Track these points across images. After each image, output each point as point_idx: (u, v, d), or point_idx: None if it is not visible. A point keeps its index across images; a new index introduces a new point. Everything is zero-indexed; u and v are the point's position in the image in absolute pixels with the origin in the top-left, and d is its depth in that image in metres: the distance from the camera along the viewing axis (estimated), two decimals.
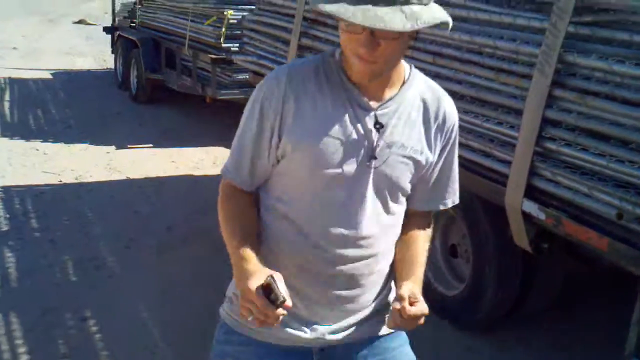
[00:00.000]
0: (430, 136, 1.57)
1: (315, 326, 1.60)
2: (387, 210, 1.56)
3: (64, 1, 19.92)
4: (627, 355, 2.48)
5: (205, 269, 4.27)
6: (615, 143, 2.50)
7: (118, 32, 10.09)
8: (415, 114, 1.55)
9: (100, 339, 3.47)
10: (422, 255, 1.63)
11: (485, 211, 3.34)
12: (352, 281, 1.58)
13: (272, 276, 1.38)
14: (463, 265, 3.70)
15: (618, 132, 2.48)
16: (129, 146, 7.06)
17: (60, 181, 5.95)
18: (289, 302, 1.37)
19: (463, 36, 3.17)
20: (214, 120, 8.01)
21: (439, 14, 1.39)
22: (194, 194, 5.69)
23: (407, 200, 1.64)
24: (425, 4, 1.36)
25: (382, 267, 1.62)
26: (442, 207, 1.70)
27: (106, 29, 10.94)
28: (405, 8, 1.33)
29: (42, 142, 7.10)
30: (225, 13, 7.01)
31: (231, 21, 6.99)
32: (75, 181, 5.96)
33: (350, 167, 1.50)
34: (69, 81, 10.34)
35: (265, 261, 1.48)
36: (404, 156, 1.53)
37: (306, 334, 1.59)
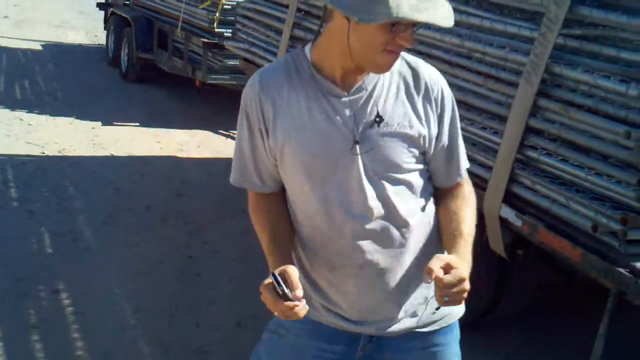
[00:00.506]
0: (417, 108, 1.56)
1: (358, 319, 1.62)
2: (392, 190, 1.55)
3: None
4: None
5: (180, 251, 4.29)
6: (595, 156, 2.53)
7: (111, 9, 10.03)
8: (395, 89, 1.55)
9: (71, 312, 3.48)
10: (465, 225, 1.60)
11: None
12: (383, 269, 1.57)
13: (273, 273, 1.43)
14: None
15: (598, 145, 2.52)
16: (115, 123, 7.03)
17: (43, 153, 5.92)
18: (298, 293, 1.40)
19: (453, 39, 3.19)
20: (201, 104, 7.99)
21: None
22: (176, 176, 5.68)
23: (432, 179, 1.65)
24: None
25: (414, 250, 1.60)
26: (459, 179, 1.68)
27: (99, 5, 10.86)
28: (444, 3, 1.42)
29: (27, 112, 7.05)
30: None
31: (226, 7, 6.97)
32: (59, 154, 5.94)
33: (336, 156, 1.51)
34: (59, 54, 10.26)
35: (304, 260, 1.59)
36: (391, 133, 1.52)
37: (350, 325, 1.63)
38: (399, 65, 1.56)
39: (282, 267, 1.44)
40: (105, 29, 10.31)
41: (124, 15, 9.22)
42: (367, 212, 1.53)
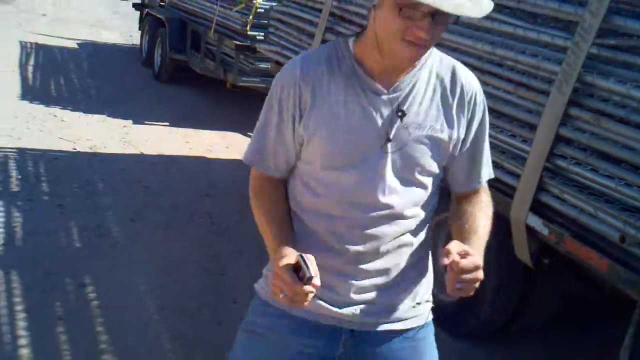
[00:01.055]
0: (451, 112, 1.56)
1: (346, 303, 1.62)
2: (411, 190, 1.56)
3: None
4: None
5: (205, 250, 4.33)
6: (626, 167, 2.50)
7: (147, 10, 10.16)
8: (431, 92, 1.55)
9: (96, 306, 3.52)
10: (480, 228, 1.60)
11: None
12: (379, 257, 1.58)
13: (301, 255, 1.42)
14: None
15: (629, 156, 2.49)
16: (145, 122, 7.12)
17: (75, 149, 6.01)
18: (317, 281, 1.39)
19: (485, 47, 3.18)
20: (232, 106, 8.05)
21: (487, 2, 1.42)
22: (204, 176, 5.73)
23: (450, 183, 1.65)
24: None
25: (413, 251, 1.62)
26: (478, 186, 1.67)
27: (135, 5, 11.03)
28: None
29: (61, 109, 7.16)
30: (254, 1, 7.04)
31: (259, 10, 7.02)
32: (90, 151, 6.02)
33: (366, 151, 1.51)
34: (94, 52, 10.42)
35: (300, 244, 1.54)
36: (423, 136, 1.53)
37: (338, 309, 1.62)
38: (437, 66, 1.57)
39: (303, 254, 1.43)
40: (139, 29, 10.45)
41: (158, 16, 9.33)
42: (382, 207, 1.54)
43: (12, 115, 6.65)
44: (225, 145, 6.69)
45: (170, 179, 5.60)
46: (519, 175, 2.92)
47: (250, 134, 5.83)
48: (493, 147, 3.09)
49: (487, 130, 1.65)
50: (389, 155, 1.52)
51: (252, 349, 1.70)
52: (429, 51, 1.54)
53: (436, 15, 1.38)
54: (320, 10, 4.77)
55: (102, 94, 8.00)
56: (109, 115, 7.14)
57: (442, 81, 1.57)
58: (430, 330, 1.75)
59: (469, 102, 1.58)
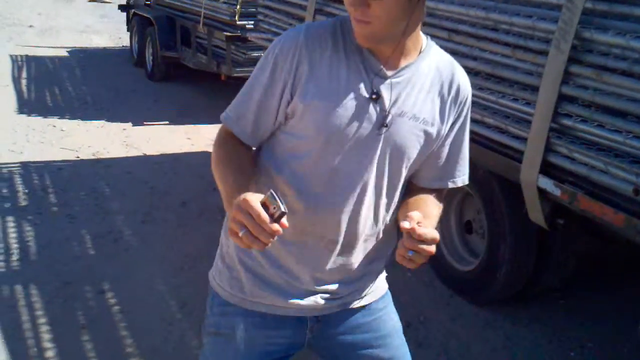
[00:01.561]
0: (444, 108, 1.56)
1: (311, 293, 1.63)
2: (390, 177, 1.55)
3: None
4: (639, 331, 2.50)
5: (219, 243, 4.32)
6: (632, 119, 2.49)
7: (133, 10, 10.10)
8: (429, 84, 1.54)
9: (118, 311, 3.53)
10: (433, 211, 1.58)
11: (500, 187, 3.35)
12: (350, 246, 1.59)
13: (271, 190, 1.30)
14: (478, 241, 3.72)
15: (635, 108, 2.47)
16: (145, 123, 7.11)
17: (78, 157, 6.01)
18: (285, 222, 1.29)
19: (479, 12, 3.16)
20: (228, 97, 7.79)
21: None
22: (209, 171, 5.58)
23: (415, 176, 1.64)
24: None
25: (380, 232, 1.63)
26: (451, 185, 1.66)
27: (121, 7, 10.96)
28: None
29: (59, 118, 7.15)
30: None
31: None
32: (93, 157, 6.02)
33: (360, 132, 1.49)
34: (85, 59, 10.38)
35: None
36: (415, 127, 1.52)
37: (301, 300, 1.62)
38: (437, 61, 1.56)
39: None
40: (128, 31, 10.40)
41: (145, 15, 9.28)
42: (364, 193, 1.53)
43: (12, 129, 6.64)
44: None
45: (176, 176, 5.60)
46: (526, 138, 2.91)
47: None
48: (496, 112, 3.11)
49: (467, 136, 1.64)
50: (381, 141, 1.50)
51: (221, 352, 1.69)
52: (425, 41, 1.55)
53: None
54: None
55: (98, 100, 7.98)
56: (107, 120, 7.13)
57: (440, 75, 1.56)
58: (388, 298, 1.79)
59: (461, 103, 1.58)
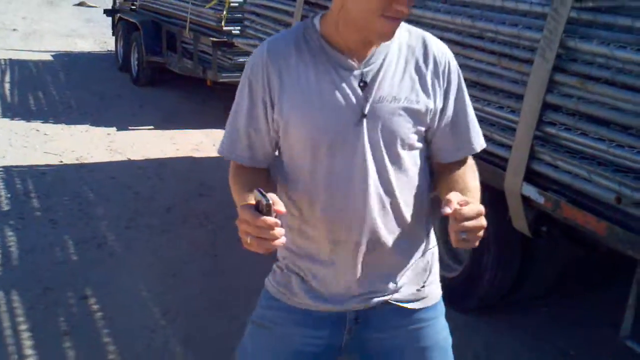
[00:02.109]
0: (425, 82, 1.54)
1: (342, 296, 1.61)
2: (392, 163, 1.53)
3: None
4: (622, 337, 2.51)
5: (204, 250, 4.31)
6: (615, 128, 2.51)
7: (118, 15, 10.07)
8: (403, 63, 1.53)
9: (100, 317, 3.50)
10: (471, 185, 1.58)
11: (484, 195, 3.35)
12: (376, 242, 1.56)
13: (258, 189, 1.36)
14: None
15: (618, 117, 2.49)
16: (129, 128, 7.08)
17: (61, 162, 5.97)
18: (281, 208, 1.34)
19: (465, 20, 3.18)
20: (214, 103, 8.02)
21: None
22: (194, 176, 5.71)
23: (435, 155, 1.63)
24: None
25: (408, 228, 1.59)
26: (471, 153, 1.65)
27: (107, 12, 10.93)
28: None
29: (42, 123, 7.11)
30: None
31: (232, 4, 6.99)
32: (76, 162, 5.99)
33: (342, 129, 1.49)
34: (70, 63, 10.33)
35: (302, 238, 1.55)
36: (398, 108, 1.51)
37: (335, 306, 1.61)
38: (407, 38, 1.56)
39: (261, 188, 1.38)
40: (113, 35, 10.36)
41: (131, 20, 9.26)
42: (368, 188, 1.52)
43: None
44: (211, 143, 6.67)
45: (161, 182, 5.58)
46: (510, 146, 2.93)
47: None
48: (481, 120, 3.10)
49: (467, 98, 1.63)
50: (365, 131, 1.50)
51: (259, 342, 1.70)
52: None
53: None
54: None
55: (83, 104, 7.94)
56: (91, 125, 7.10)
57: (413, 52, 1.55)
58: (439, 311, 1.73)
59: (444, 72, 1.57)
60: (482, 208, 1.41)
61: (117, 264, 4.11)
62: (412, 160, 1.57)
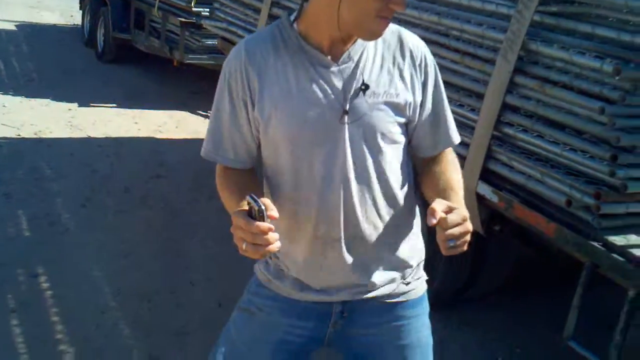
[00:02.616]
0: (404, 75, 1.55)
1: (329, 289, 1.62)
2: (373, 158, 1.54)
3: None
4: (565, 337, 2.56)
5: (159, 232, 4.28)
6: (570, 132, 2.55)
7: None
8: (380, 58, 1.55)
9: (50, 296, 3.46)
10: (453, 182, 1.59)
11: None
12: (359, 239, 1.57)
13: (250, 194, 1.39)
14: None
15: (573, 121, 2.54)
16: (91, 104, 6.96)
17: (19, 135, 5.85)
18: (274, 213, 1.36)
19: (432, 17, 3.19)
20: (179, 84, 7.93)
21: None
22: (155, 157, 5.65)
23: (417, 149, 1.64)
24: None
25: (391, 222, 1.60)
26: (450, 145, 1.66)
27: None
28: None
29: (2, 94, 6.96)
30: None
31: None
32: (35, 136, 5.88)
33: (324, 127, 1.50)
34: (34, 35, 10.10)
35: (286, 237, 1.53)
36: (379, 102, 1.52)
37: (321, 296, 1.62)
38: (384, 34, 1.55)
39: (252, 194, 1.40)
40: (80, 9, 10.15)
41: None
42: (350, 182, 1.53)
43: None
44: (174, 124, 6.60)
45: (120, 161, 5.50)
46: (468, 144, 2.95)
47: (200, 112, 5.79)
48: None
49: (444, 91, 1.65)
50: (347, 127, 1.51)
51: (244, 327, 1.71)
52: None
53: None
54: None
55: (45, 77, 7.78)
56: (53, 99, 6.96)
57: (389, 47, 1.57)
58: (422, 308, 1.73)
59: (420, 65, 1.58)
60: (466, 213, 1.43)
61: (70, 242, 4.06)
62: (394, 155, 1.58)
